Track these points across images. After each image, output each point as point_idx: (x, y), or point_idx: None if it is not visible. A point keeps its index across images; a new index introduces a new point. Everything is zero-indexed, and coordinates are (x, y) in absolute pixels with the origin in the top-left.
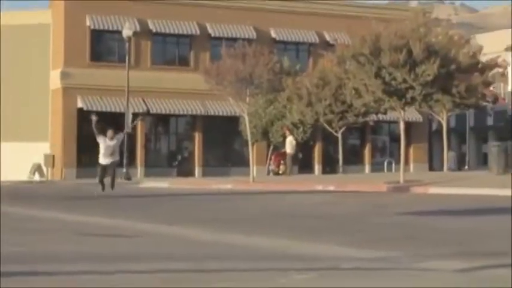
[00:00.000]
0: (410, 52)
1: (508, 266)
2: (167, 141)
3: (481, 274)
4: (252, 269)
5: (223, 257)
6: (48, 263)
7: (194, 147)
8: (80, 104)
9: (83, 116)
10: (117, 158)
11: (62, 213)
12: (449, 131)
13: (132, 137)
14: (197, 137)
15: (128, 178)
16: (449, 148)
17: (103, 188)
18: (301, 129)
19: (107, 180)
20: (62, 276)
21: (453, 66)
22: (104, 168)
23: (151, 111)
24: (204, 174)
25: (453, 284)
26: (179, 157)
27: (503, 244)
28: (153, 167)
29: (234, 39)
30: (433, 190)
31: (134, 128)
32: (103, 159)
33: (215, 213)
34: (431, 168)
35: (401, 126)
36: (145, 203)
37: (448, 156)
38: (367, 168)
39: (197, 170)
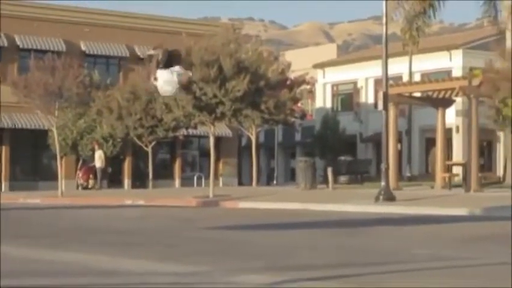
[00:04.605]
0: (220, 68)
1: (315, 279)
2: None
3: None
4: (60, 285)
5: (29, 273)
6: None
7: (1, 161)
8: None
9: None
10: None
11: None
12: (259, 146)
13: None
14: (4, 150)
15: None
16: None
17: None
18: (110, 143)
19: None
20: None
21: (262, 83)
22: None
23: None
24: (11, 188)
25: None
26: None
27: (310, 257)
28: None
29: (44, 52)
30: (242, 204)
31: None
32: None
33: (22, 228)
34: (240, 183)
35: (211, 141)
36: None
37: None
38: (177, 182)
39: (3, 185)
